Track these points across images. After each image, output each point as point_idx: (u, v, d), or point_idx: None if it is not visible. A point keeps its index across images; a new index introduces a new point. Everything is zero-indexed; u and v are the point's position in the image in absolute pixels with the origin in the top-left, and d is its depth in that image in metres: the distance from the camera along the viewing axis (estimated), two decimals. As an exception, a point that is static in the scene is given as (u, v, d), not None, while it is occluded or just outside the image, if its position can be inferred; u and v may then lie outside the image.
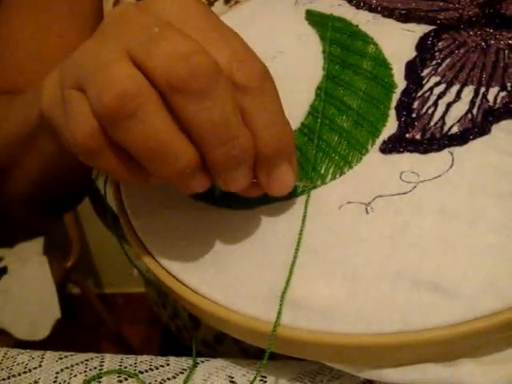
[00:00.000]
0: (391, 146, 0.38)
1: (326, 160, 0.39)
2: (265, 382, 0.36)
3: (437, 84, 0.41)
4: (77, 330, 1.83)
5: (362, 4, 0.49)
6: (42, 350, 0.41)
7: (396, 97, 0.41)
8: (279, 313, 0.33)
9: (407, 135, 0.39)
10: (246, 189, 0.34)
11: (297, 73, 0.45)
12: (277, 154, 0.33)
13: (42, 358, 0.40)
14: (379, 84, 0.42)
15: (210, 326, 0.37)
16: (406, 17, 0.46)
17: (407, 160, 0.37)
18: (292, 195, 0.37)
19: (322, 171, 0.38)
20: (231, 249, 0.37)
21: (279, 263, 0.35)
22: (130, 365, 0.39)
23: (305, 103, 0.42)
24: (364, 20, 0.47)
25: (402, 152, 0.38)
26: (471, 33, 0.44)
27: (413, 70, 0.42)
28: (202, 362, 0.39)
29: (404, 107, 0.40)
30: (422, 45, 0.44)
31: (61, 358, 0.40)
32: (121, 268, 1.82)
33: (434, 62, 0.43)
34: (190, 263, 0.37)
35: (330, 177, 0.38)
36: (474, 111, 0.39)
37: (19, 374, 0.39)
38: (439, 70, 0.42)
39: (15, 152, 0.50)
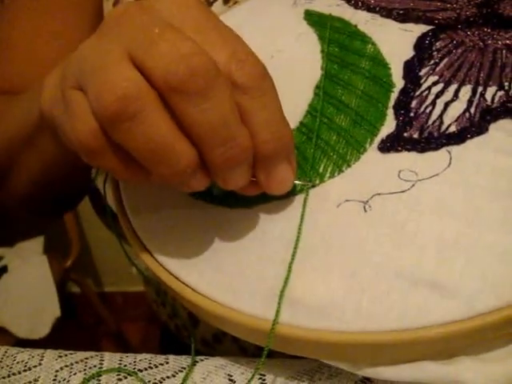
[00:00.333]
0: (389, 145, 0.38)
1: (324, 159, 0.39)
2: (263, 380, 0.36)
3: (435, 83, 0.41)
4: (76, 328, 1.83)
5: (360, 4, 0.49)
6: (42, 348, 0.41)
7: (394, 96, 0.41)
8: (278, 311, 0.33)
9: (405, 134, 0.39)
10: (245, 187, 0.34)
11: (295, 72, 0.45)
12: (276, 153, 0.33)
13: (42, 356, 0.40)
14: (377, 83, 0.42)
15: (209, 324, 0.37)
16: (404, 17, 0.47)
17: (405, 159, 0.37)
18: (290, 194, 0.37)
19: (321, 170, 0.38)
20: (230, 247, 0.37)
21: (278, 262, 0.35)
22: (130, 363, 0.39)
23: (303, 102, 0.43)
24: (362, 20, 0.47)
25: (400, 151, 0.38)
26: (469, 33, 0.44)
27: (411, 70, 0.42)
28: (201, 360, 0.39)
29: (402, 106, 0.40)
30: (420, 44, 0.44)
31: (60, 357, 0.40)
32: (120, 267, 1.83)
33: (432, 62, 0.43)
34: (189, 262, 0.37)
35: (328, 175, 0.38)
36: (472, 110, 0.39)
37: (19, 373, 0.39)
38: (437, 69, 0.42)
39: (15, 152, 0.50)
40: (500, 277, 0.31)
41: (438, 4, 0.47)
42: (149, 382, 0.37)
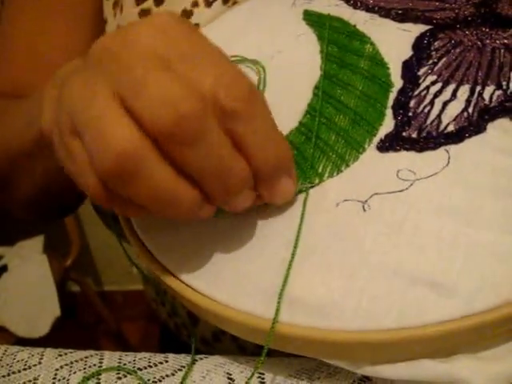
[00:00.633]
0: (388, 145, 0.39)
1: (323, 158, 0.39)
2: (263, 379, 0.36)
3: (433, 83, 0.41)
4: (76, 327, 1.83)
5: (359, 4, 0.49)
6: (42, 347, 0.41)
7: (393, 96, 0.41)
8: (277, 310, 0.33)
9: (404, 134, 0.39)
10: None
11: (295, 72, 0.45)
12: (275, 171, 0.34)
13: (42, 355, 0.40)
14: (376, 83, 0.42)
15: (208, 323, 0.37)
16: (402, 17, 0.47)
17: (404, 158, 0.38)
18: None
19: (320, 169, 0.39)
20: (230, 247, 0.37)
21: (277, 261, 0.35)
22: (129, 362, 0.39)
23: (303, 102, 0.43)
24: (361, 20, 0.47)
25: (399, 150, 0.38)
26: (467, 32, 0.44)
27: (409, 70, 0.43)
28: (201, 359, 0.39)
29: (401, 106, 0.41)
30: (419, 44, 0.44)
31: (60, 355, 0.40)
32: (120, 266, 1.83)
33: (431, 62, 0.43)
34: (189, 261, 0.37)
35: (327, 175, 0.38)
36: (470, 110, 0.39)
37: (19, 371, 0.39)
38: (435, 69, 0.42)
39: (16, 162, 0.50)
40: (498, 275, 0.31)
41: (437, 4, 0.47)
42: (148, 380, 0.37)
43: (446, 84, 0.41)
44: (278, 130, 0.34)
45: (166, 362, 0.39)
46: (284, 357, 0.38)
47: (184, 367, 0.38)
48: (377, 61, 0.44)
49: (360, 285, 0.33)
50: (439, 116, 0.39)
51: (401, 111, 0.40)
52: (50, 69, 0.41)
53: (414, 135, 0.39)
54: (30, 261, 1.51)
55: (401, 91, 0.41)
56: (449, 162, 0.37)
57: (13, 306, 1.43)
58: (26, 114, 0.48)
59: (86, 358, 0.40)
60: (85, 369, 0.39)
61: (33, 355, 0.40)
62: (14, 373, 0.39)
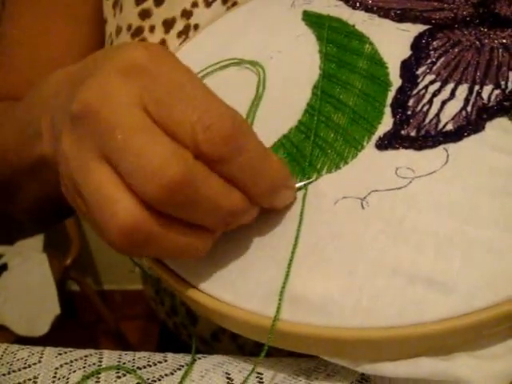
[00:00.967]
0: (387, 143, 0.39)
1: (322, 156, 0.39)
2: (261, 378, 0.36)
3: (432, 82, 0.41)
4: (76, 326, 1.83)
5: (358, 4, 0.49)
6: (42, 346, 0.41)
7: (391, 95, 0.41)
8: (278, 308, 0.33)
9: (402, 132, 0.39)
10: None
11: (294, 72, 0.45)
12: (273, 192, 0.34)
13: (42, 353, 0.40)
14: (375, 82, 0.43)
15: (209, 321, 0.37)
16: (401, 17, 0.47)
17: (402, 156, 0.38)
18: None
19: (318, 167, 0.39)
20: (230, 245, 0.37)
21: (278, 259, 0.35)
22: (129, 361, 0.39)
23: (302, 101, 0.43)
24: (360, 20, 0.47)
25: (398, 148, 0.38)
26: (465, 32, 0.44)
27: (408, 69, 0.43)
28: (200, 358, 0.39)
29: (399, 105, 0.41)
30: (417, 44, 0.44)
31: (60, 354, 0.40)
32: (119, 265, 1.83)
33: (429, 61, 0.43)
34: (192, 261, 0.37)
35: (325, 171, 0.38)
36: (469, 109, 0.39)
37: (19, 370, 0.39)
38: (434, 68, 0.42)
39: (17, 172, 0.50)
40: (497, 273, 0.31)
41: (435, 4, 0.47)
42: (147, 379, 0.37)
43: (444, 83, 0.41)
44: (268, 151, 0.34)
45: (166, 361, 0.39)
46: (283, 357, 0.38)
47: (183, 366, 0.38)
48: (376, 60, 0.44)
49: (359, 283, 0.33)
50: (438, 115, 0.39)
51: (399, 110, 0.40)
52: (50, 69, 0.41)
53: (413, 134, 0.39)
54: (30, 260, 1.51)
55: (399, 90, 0.41)
56: (447, 160, 0.37)
57: (13, 304, 1.43)
58: (23, 126, 0.48)
59: (86, 356, 0.40)
60: (84, 368, 0.39)
61: (33, 354, 0.40)
62: (14, 371, 0.39)
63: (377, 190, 0.36)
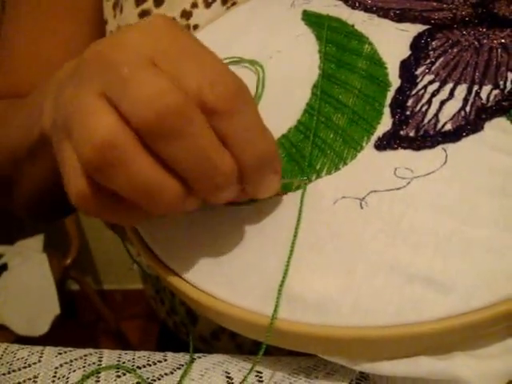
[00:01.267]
0: (386, 143, 0.39)
1: (321, 157, 0.39)
2: (260, 377, 0.37)
3: (431, 82, 0.41)
4: (76, 326, 1.83)
5: (357, 4, 0.49)
6: (42, 345, 0.41)
7: (391, 95, 0.41)
8: (276, 306, 0.33)
9: (401, 132, 0.39)
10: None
11: (293, 72, 0.45)
12: (260, 167, 0.34)
13: (42, 353, 0.40)
14: (374, 82, 0.43)
15: (207, 321, 0.37)
16: (400, 17, 0.47)
17: (401, 156, 0.38)
18: (288, 190, 0.38)
19: (318, 167, 0.39)
20: (229, 244, 0.37)
21: (276, 258, 0.35)
22: (128, 360, 0.39)
23: (301, 101, 0.43)
24: (359, 20, 0.47)
25: (397, 149, 0.38)
26: (464, 32, 0.44)
27: (407, 69, 0.43)
28: (199, 357, 0.39)
29: (398, 105, 0.41)
30: (416, 44, 0.44)
31: (60, 354, 0.40)
32: (119, 265, 1.83)
33: (428, 61, 0.43)
34: (189, 258, 0.37)
35: (325, 173, 0.38)
36: (467, 109, 0.39)
37: (19, 369, 0.39)
38: (433, 68, 0.42)
39: (19, 161, 0.51)
40: (495, 273, 0.32)
41: (434, 4, 0.47)
42: (147, 378, 0.37)
43: (443, 83, 0.41)
44: (265, 126, 0.33)
45: (165, 360, 0.39)
46: (282, 356, 0.38)
47: (183, 366, 0.38)
48: (375, 60, 0.44)
49: (358, 282, 0.33)
50: (437, 115, 0.39)
51: (398, 110, 0.40)
52: (51, 70, 0.41)
53: (412, 134, 0.39)
54: (30, 259, 1.50)
55: (399, 90, 0.42)
56: (446, 160, 0.37)
57: (13, 304, 1.43)
58: (27, 115, 0.49)
59: (86, 356, 0.40)
60: (84, 367, 0.39)
61: (33, 353, 0.40)
62: (14, 371, 0.39)
63: (376, 191, 0.36)
